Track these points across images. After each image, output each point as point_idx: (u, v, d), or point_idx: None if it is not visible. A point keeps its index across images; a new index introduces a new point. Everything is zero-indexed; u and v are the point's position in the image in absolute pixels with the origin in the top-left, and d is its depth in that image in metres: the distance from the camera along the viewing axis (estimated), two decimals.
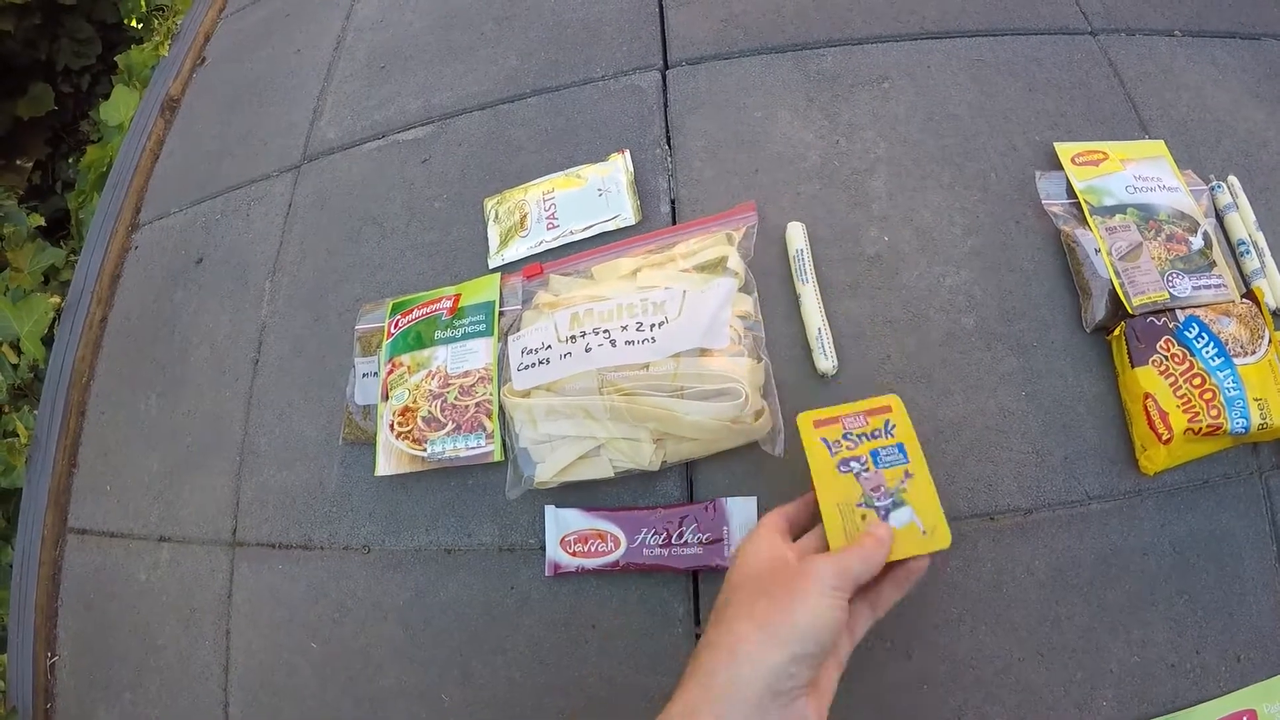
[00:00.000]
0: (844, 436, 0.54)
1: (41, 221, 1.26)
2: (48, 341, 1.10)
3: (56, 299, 1.11)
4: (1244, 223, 0.74)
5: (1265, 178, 0.77)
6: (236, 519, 0.81)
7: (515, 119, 0.83)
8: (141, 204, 1.10)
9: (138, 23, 1.60)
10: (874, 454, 0.54)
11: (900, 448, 0.54)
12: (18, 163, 1.37)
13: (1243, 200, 0.75)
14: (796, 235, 0.68)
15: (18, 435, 1.02)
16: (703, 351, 0.60)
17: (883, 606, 0.50)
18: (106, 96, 1.24)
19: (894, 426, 0.55)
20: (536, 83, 0.84)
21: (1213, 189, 0.75)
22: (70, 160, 1.49)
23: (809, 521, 0.51)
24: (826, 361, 0.63)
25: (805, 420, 0.55)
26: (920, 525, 0.51)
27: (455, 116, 0.86)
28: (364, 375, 0.76)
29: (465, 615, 0.67)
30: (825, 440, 0.55)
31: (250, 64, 1.11)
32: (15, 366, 1.10)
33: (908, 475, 0.53)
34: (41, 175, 1.44)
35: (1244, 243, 0.73)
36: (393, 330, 0.76)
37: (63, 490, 0.98)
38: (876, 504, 0.52)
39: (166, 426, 0.90)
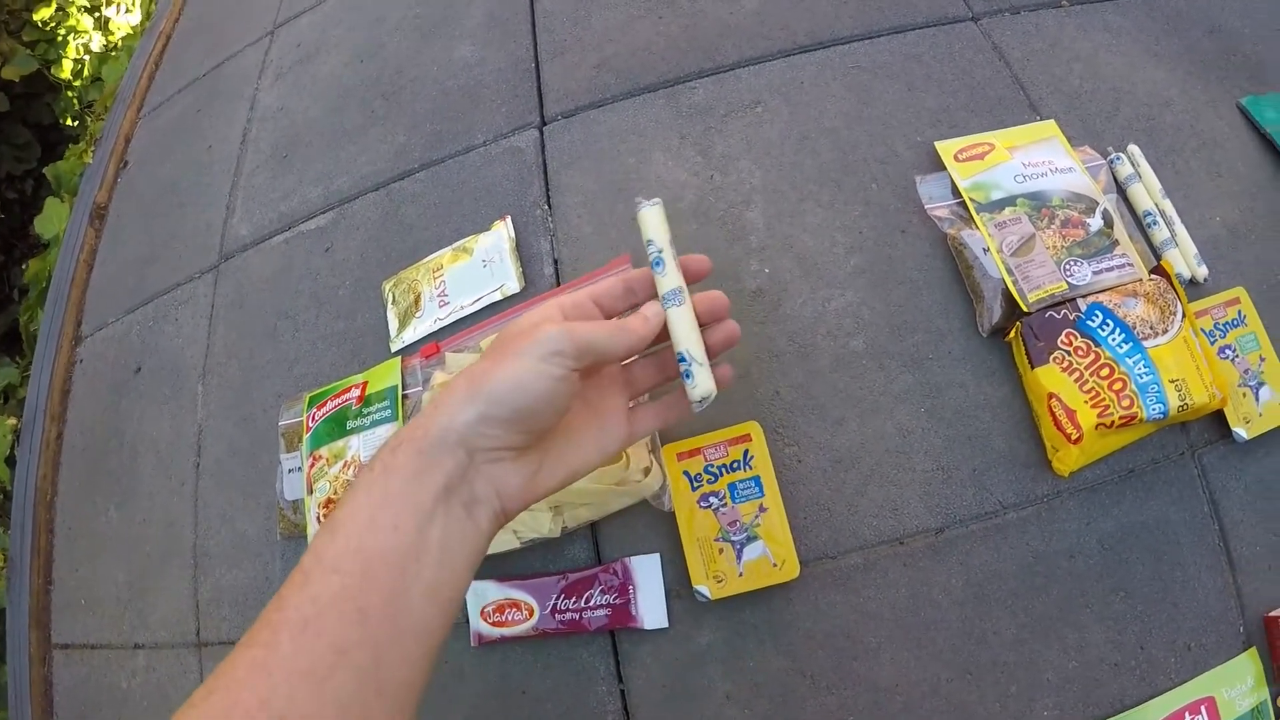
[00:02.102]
0: (704, 470, 0.58)
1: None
2: (10, 462, 1.18)
3: (14, 420, 1.19)
4: (1149, 192, 0.75)
5: (1170, 138, 0.78)
6: (199, 620, 0.87)
7: (406, 195, 0.88)
8: (82, 316, 1.18)
9: (73, 120, 1.69)
10: (731, 488, 0.57)
11: (757, 481, 0.57)
12: None
13: (1145, 169, 0.76)
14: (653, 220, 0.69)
15: None
16: None
17: (668, 413, 0.48)
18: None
19: (753, 458, 0.58)
20: (423, 156, 0.89)
21: (1111, 162, 0.76)
22: (24, 267, 1.59)
23: (615, 304, 0.47)
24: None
25: (669, 453, 0.59)
26: (771, 558, 0.54)
27: (352, 200, 0.91)
28: (289, 471, 0.81)
29: None
30: (688, 474, 0.58)
31: (168, 165, 1.18)
32: None
33: (762, 509, 0.56)
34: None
35: (1150, 213, 0.74)
36: (310, 424, 0.81)
37: (43, 608, 1.06)
38: (732, 539, 0.55)
39: (126, 536, 0.97)
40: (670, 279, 0.46)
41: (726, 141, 0.78)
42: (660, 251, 0.46)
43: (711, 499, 0.61)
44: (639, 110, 0.82)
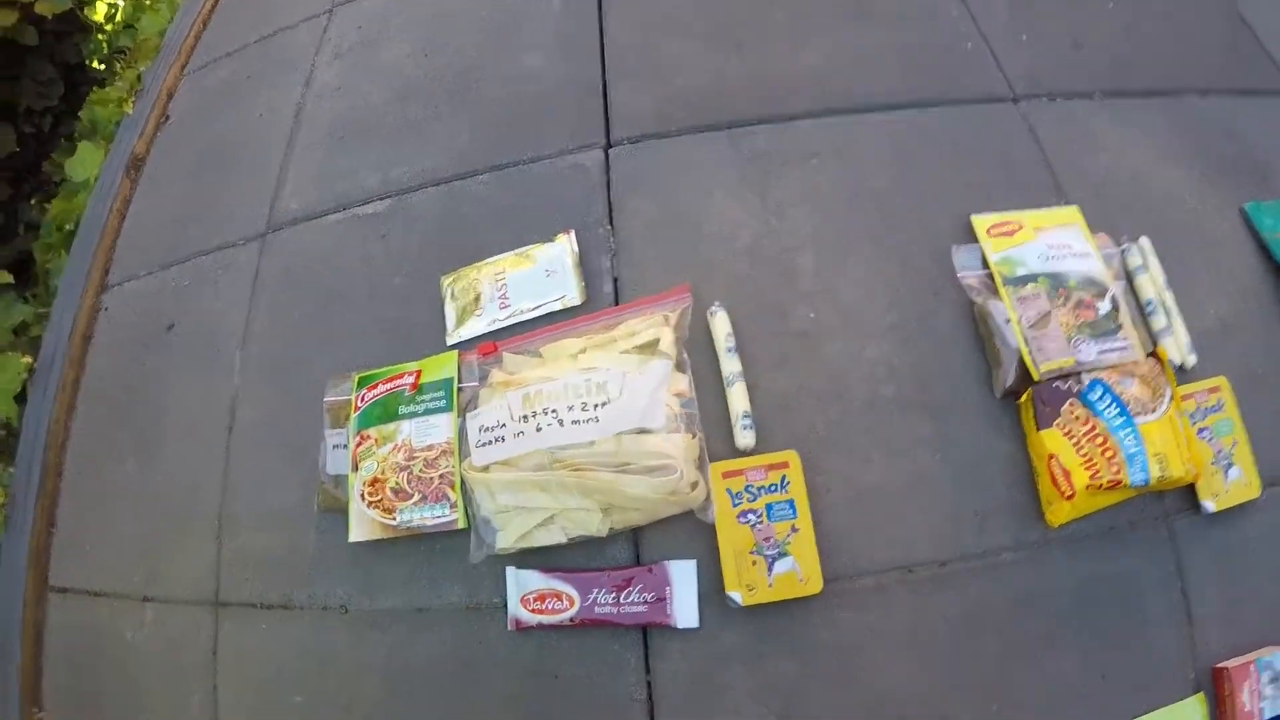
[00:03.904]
0: (745, 489, 0.68)
1: (10, 279, 1.37)
2: (20, 400, 1.21)
3: (28, 358, 1.22)
4: (1153, 283, 0.87)
5: (1178, 234, 0.90)
6: (219, 580, 0.93)
7: (469, 196, 0.96)
8: (110, 265, 1.22)
9: (100, 64, 1.70)
10: (768, 507, 0.67)
11: (791, 504, 0.67)
12: None
13: (1153, 261, 0.88)
14: (721, 323, 0.79)
15: None
16: (642, 430, 0.72)
17: None
18: (69, 138, 1.33)
19: (789, 483, 0.68)
20: (488, 159, 0.96)
21: (1124, 251, 0.88)
22: (33, 202, 1.60)
23: None
24: (747, 438, 0.75)
25: (715, 471, 0.69)
26: (799, 574, 0.64)
27: (412, 192, 0.98)
28: (334, 447, 0.88)
29: (439, 669, 0.79)
30: (730, 491, 0.68)
31: (214, 126, 1.22)
32: None
33: (794, 530, 0.66)
34: (4, 217, 1.55)
35: (1151, 303, 0.86)
36: (359, 404, 0.88)
37: (42, 550, 1.10)
38: (766, 553, 0.66)
39: (144, 490, 1.02)
40: (737, 363, 0.65)
41: (783, 188, 0.88)
42: (732, 345, 0.64)
43: (750, 515, 0.71)
44: (702, 147, 0.91)
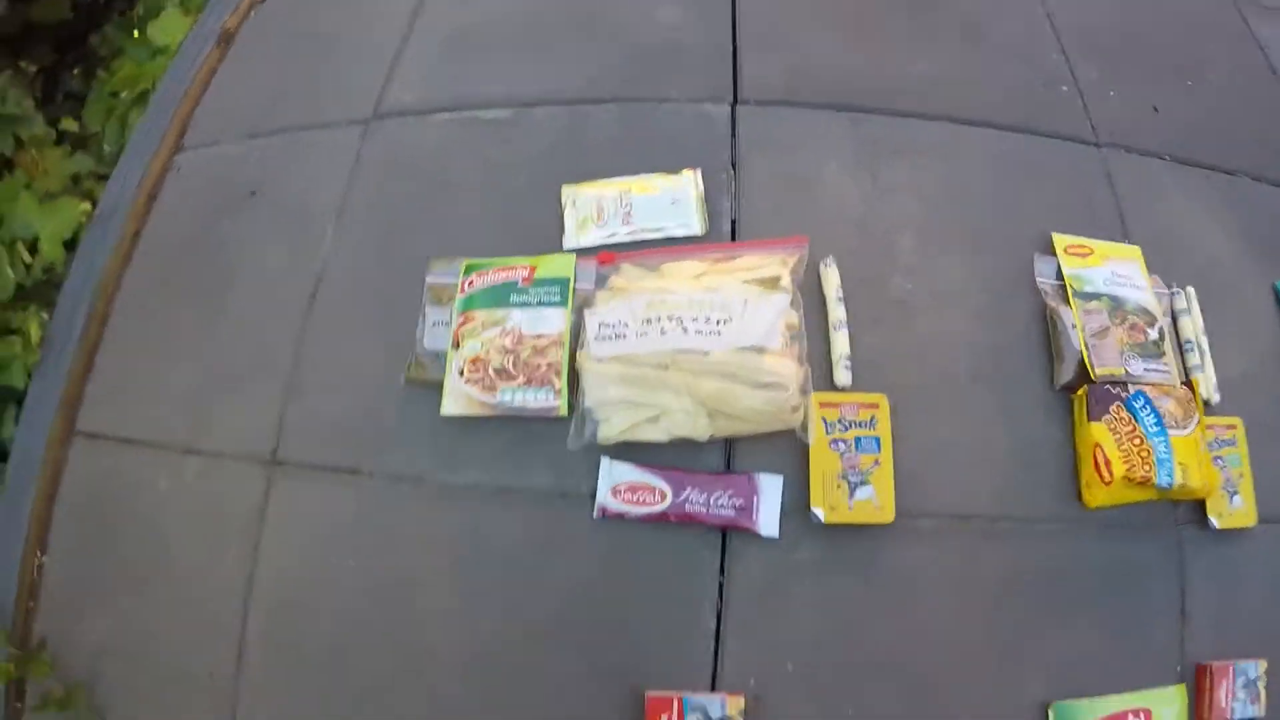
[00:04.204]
0: (839, 420, 0.86)
1: (76, 126, 1.45)
2: (68, 247, 1.29)
3: (87, 204, 1.30)
4: (1193, 327, 1.10)
5: (1217, 293, 1.14)
6: (278, 440, 1.04)
7: (593, 120, 1.12)
8: (187, 129, 1.32)
9: None
10: (857, 440, 0.85)
11: (877, 441, 0.85)
12: (21, 65, 1.52)
13: (1195, 308, 1.11)
14: (833, 275, 0.99)
15: (16, 334, 1.19)
16: (759, 349, 0.90)
17: None
18: (123, 13, 1.42)
19: (877, 422, 0.86)
20: (614, 92, 1.13)
21: (1172, 294, 1.11)
22: (75, 72, 1.68)
23: None
24: (846, 377, 0.94)
25: (816, 400, 0.86)
26: (876, 502, 0.82)
27: (535, 106, 1.14)
28: (434, 324, 1.02)
29: (515, 549, 0.92)
30: (825, 420, 0.86)
31: (315, 12, 1.35)
32: (28, 266, 1.28)
33: (876, 463, 0.84)
34: (44, 83, 1.61)
35: (1190, 343, 1.09)
36: (466, 288, 1.02)
37: (75, 395, 1.17)
38: (850, 479, 0.83)
39: (203, 346, 1.12)
40: (842, 312, 0.87)
41: (892, 174, 1.08)
42: (840, 296, 0.85)
43: (840, 444, 0.88)
44: (823, 122, 1.11)
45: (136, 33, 1.48)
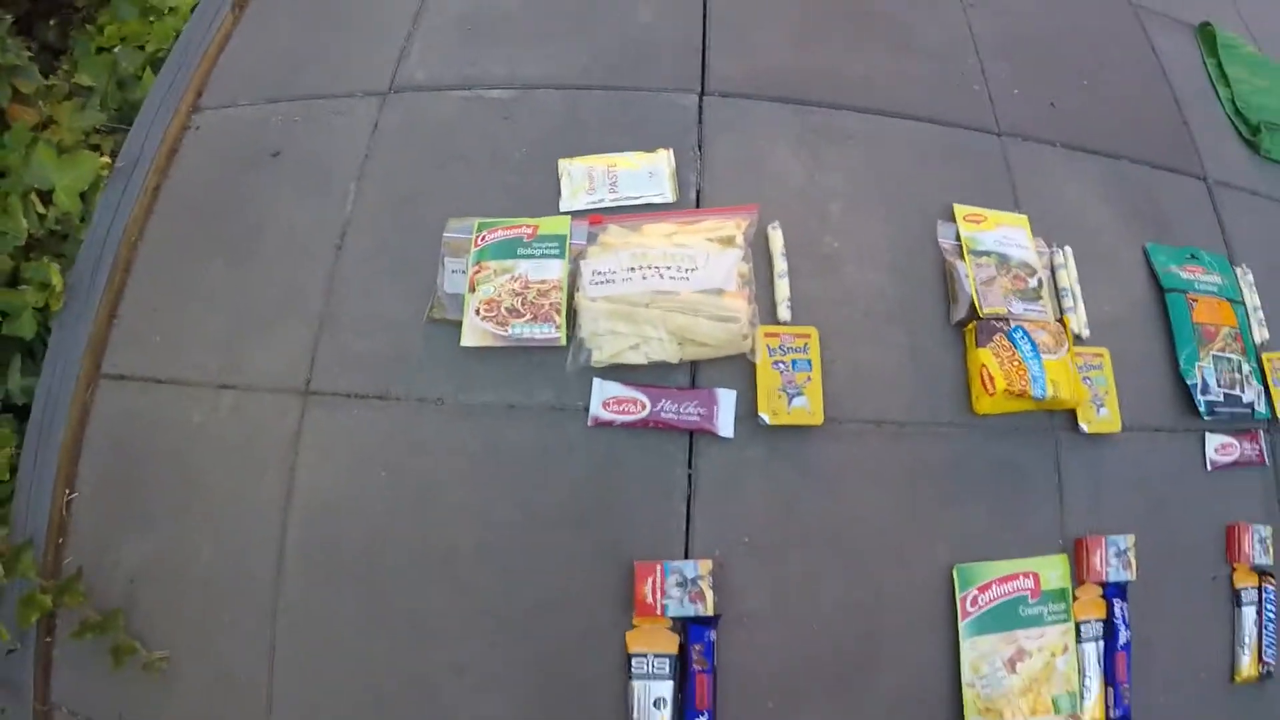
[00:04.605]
0: (780, 346, 1.31)
1: (92, 82, 1.79)
2: (85, 198, 1.64)
3: (107, 159, 1.66)
4: (1069, 277, 1.59)
5: (1096, 253, 1.63)
6: (312, 372, 1.44)
7: (585, 103, 1.56)
8: (204, 89, 1.70)
9: None
10: (793, 362, 1.31)
11: (809, 362, 1.31)
12: None
13: (1070, 264, 1.61)
14: (778, 236, 1.45)
15: (28, 284, 1.53)
16: (718, 291, 1.35)
17: None
18: None
19: (809, 348, 1.32)
20: (604, 80, 1.57)
21: (1052, 252, 1.61)
22: (51, 24, 2.00)
23: None
24: (786, 314, 1.40)
25: (761, 331, 1.32)
26: (808, 408, 1.28)
27: (536, 89, 1.57)
28: (452, 271, 1.43)
29: (523, 454, 1.35)
30: (769, 346, 1.31)
31: None
32: (42, 217, 1.61)
33: (808, 379, 1.30)
34: (18, 32, 1.91)
35: (1065, 290, 1.58)
36: (480, 242, 1.44)
37: (100, 338, 1.53)
38: (788, 391, 1.29)
39: (234, 290, 1.50)
40: (784, 265, 1.31)
41: (828, 156, 1.54)
42: (783, 252, 1.27)
43: (780, 364, 1.34)
44: (775, 113, 1.57)
45: None
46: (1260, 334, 1.76)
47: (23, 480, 1.47)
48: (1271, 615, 1.62)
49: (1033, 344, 1.45)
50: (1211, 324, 1.70)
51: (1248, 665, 1.58)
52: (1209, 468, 1.61)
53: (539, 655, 1.28)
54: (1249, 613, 1.60)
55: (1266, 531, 1.62)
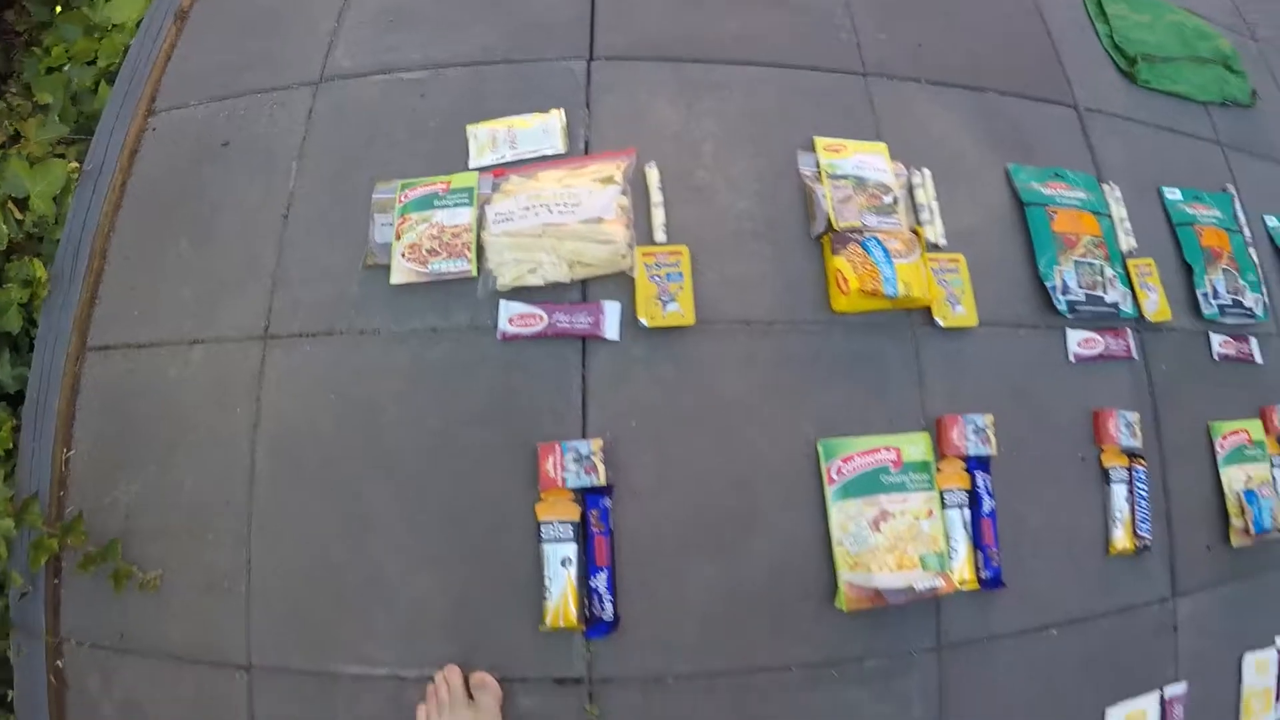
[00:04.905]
0: (655, 263, 1.82)
1: (50, 99, 2.37)
2: (58, 200, 2.20)
3: (75, 164, 2.22)
4: (926, 195, 2.07)
5: (957, 175, 2.09)
6: (269, 320, 1.96)
7: (489, 75, 2.07)
8: (156, 94, 2.25)
9: None
10: (668, 274, 1.82)
11: (680, 275, 1.79)
12: None
13: (928, 183, 2.08)
14: (654, 173, 1.96)
15: (11, 283, 2.07)
16: (599, 220, 1.86)
17: None
18: None
19: (680, 264, 1.82)
20: (505, 55, 2.09)
21: (910, 173, 2.11)
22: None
23: None
24: (662, 236, 1.91)
25: (639, 251, 1.83)
26: (681, 312, 1.78)
27: (446, 68, 2.09)
28: (382, 225, 1.95)
29: (447, 367, 1.84)
30: (646, 264, 1.82)
31: None
32: (20, 222, 2.17)
33: (680, 289, 1.80)
34: None
35: (922, 206, 2.07)
36: (402, 199, 1.96)
37: (85, 317, 2.06)
38: (663, 299, 1.79)
39: (198, 263, 2.02)
40: (660, 196, 1.77)
41: (701, 104, 2.03)
42: (659, 186, 1.76)
43: (656, 277, 1.84)
44: (655, 71, 2.06)
45: (64, 9, 2.36)
46: (1127, 243, 2.22)
47: (24, 446, 1.97)
48: (1144, 493, 2.04)
49: (885, 250, 1.93)
50: (1072, 233, 2.16)
51: (1121, 538, 2.00)
52: (1072, 360, 2.05)
53: (466, 533, 1.76)
54: (1119, 490, 2.02)
55: (1134, 417, 2.05)
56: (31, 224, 2.13)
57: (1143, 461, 2.07)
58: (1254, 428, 2.33)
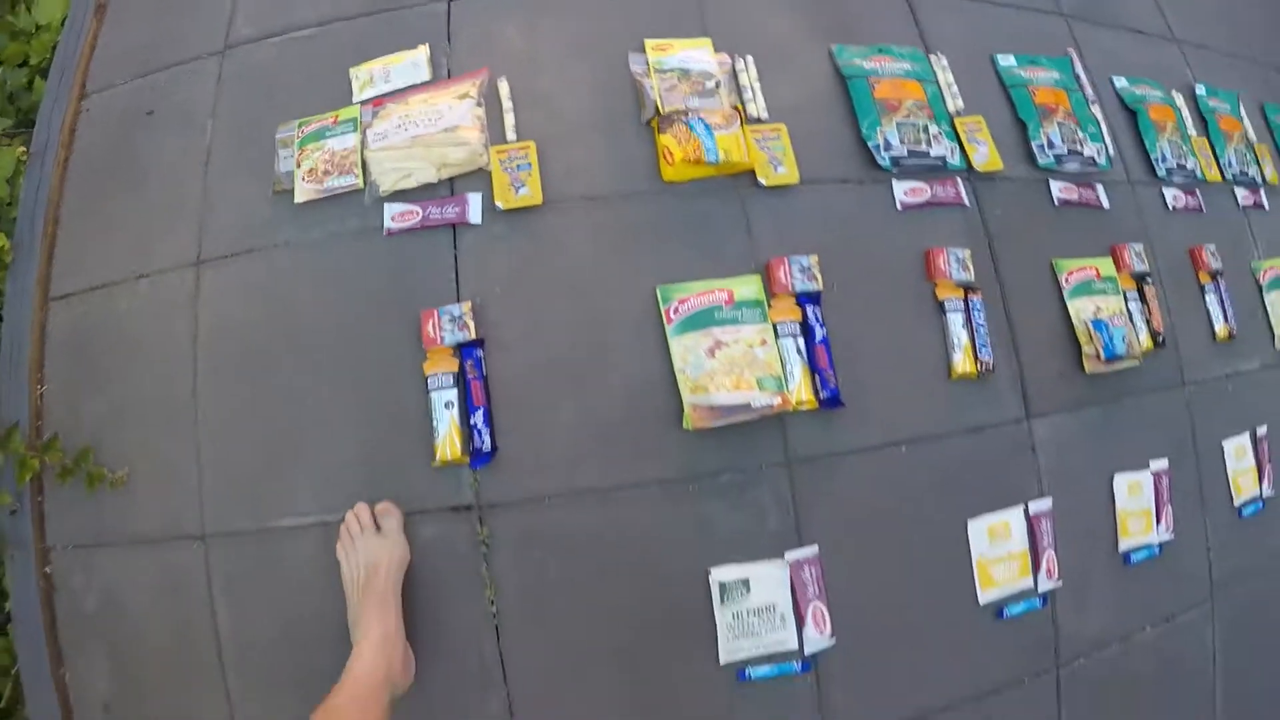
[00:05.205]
0: (508, 157, 2.51)
1: None
2: (10, 182, 2.99)
3: (22, 149, 3.02)
4: (748, 78, 2.75)
5: (781, 58, 2.72)
6: (200, 247, 2.70)
7: (365, 25, 2.77)
8: (87, 80, 3.02)
9: None
10: (518, 165, 2.53)
11: (530, 165, 2.44)
12: None
13: (751, 68, 2.74)
14: (505, 85, 2.66)
15: None
16: (456, 127, 2.60)
17: None
18: None
19: (528, 156, 2.47)
20: (380, 7, 2.84)
21: (734, 60, 2.81)
22: None
23: None
24: (513, 136, 2.63)
25: (494, 150, 2.54)
26: (530, 194, 2.47)
27: (331, 23, 2.82)
28: (285, 157, 2.69)
29: (345, 264, 2.48)
30: (500, 160, 2.50)
31: None
32: None
33: (529, 175, 2.47)
34: None
35: (746, 88, 2.77)
36: (300, 134, 2.70)
37: (45, 274, 2.80)
38: (515, 186, 2.50)
39: (137, 214, 2.71)
40: (510, 104, 2.50)
41: (545, 25, 2.67)
42: (509, 95, 2.50)
43: (510, 169, 2.55)
44: (508, 7, 2.83)
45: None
46: (955, 104, 2.84)
47: (3, 388, 2.67)
48: (981, 322, 2.61)
49: (706, 125, 2.60)
50: (895, 99, 2.79)
51: (961, 362, 2.56)
52: (899, 208, 2.66)
53: (369, 394, 2.41)
54: (955, 318, 2.57)
55: (964, 253, 2.62)
56: None
57: (978, 293, 2.64)
58: (1104, 264, 2.89)
